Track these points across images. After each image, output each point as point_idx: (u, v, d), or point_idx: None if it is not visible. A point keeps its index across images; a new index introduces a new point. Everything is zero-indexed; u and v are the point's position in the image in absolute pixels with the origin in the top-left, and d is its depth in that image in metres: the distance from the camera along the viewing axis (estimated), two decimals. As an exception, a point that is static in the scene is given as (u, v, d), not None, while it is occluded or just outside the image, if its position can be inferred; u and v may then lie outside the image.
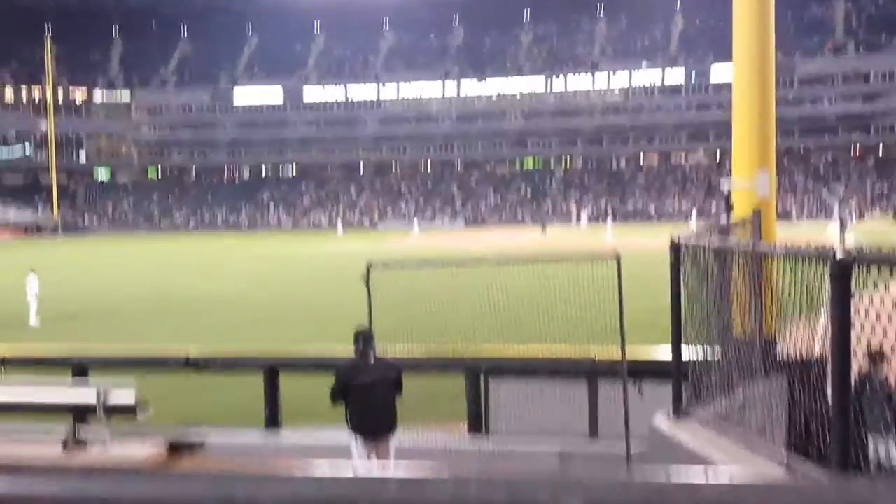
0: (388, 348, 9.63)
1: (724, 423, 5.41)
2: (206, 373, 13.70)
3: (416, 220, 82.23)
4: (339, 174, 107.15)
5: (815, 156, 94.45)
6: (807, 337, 4.83)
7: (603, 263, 9.52)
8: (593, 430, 10.31)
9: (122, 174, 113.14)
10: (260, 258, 53.15)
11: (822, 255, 4.08)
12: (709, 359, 6.03)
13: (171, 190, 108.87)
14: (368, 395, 8.48)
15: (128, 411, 11.33)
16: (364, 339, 8.87)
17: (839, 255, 3.74)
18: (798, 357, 5.03)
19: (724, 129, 20.00)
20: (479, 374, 11.39)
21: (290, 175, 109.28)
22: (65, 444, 10.55)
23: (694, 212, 72.96)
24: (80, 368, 14.16)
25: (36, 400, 12.39)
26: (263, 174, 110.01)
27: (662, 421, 6.30)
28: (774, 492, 0.76)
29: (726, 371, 5.86)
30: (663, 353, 8.14)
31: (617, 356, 9.62)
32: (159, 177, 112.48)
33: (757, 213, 7.95)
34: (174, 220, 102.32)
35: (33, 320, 27.52)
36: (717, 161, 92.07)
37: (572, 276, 9.60)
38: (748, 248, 6.05)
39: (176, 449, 10.38)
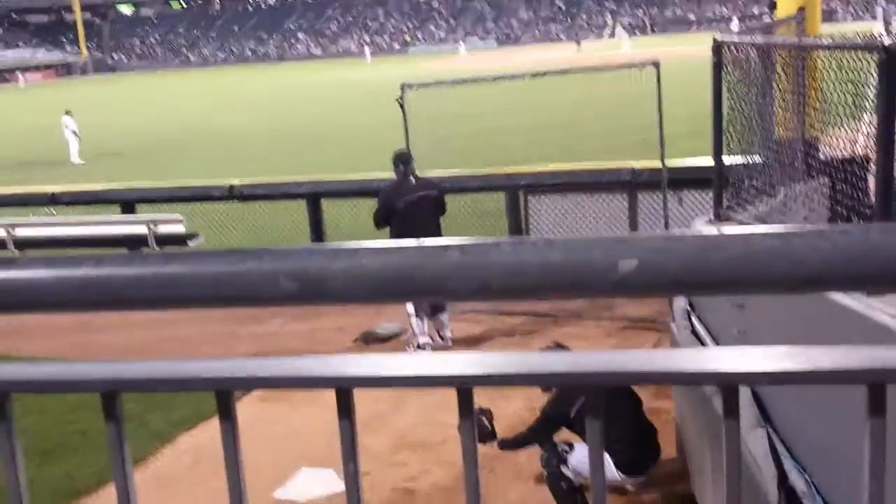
0: (427, 169, 9.66)
1: (763, 224, 5.45)
2: (250, 202, 13.94)
3: (461, 43, 79.21)
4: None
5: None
6: (851, 135, 4.75)
7: (641, 77, 9.29)
8: (633, 240, 10.41)
9: (145, 7, 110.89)
10: (292, 88, 52.63)
11: (869, 45, 3.95)
12: (750, 162, 5.99)
13: (197, 22, 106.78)
14: (412, 215, 8.53)
15: (178, 241, 11.66)
16: (403, 160, 8.88)
17: (887, 43, 3.62)
18: (841, 156, 4.98)
19: (769, -75, 18.84)
20: (518, 192, 11.43)
21: None
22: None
23: (735, 18, 70.14)
24: (127, 204, 14.48)
25: (89, 233, 12.78)
26: None
27: (702, 226, 6.34)
28: (825, 236, 0.79)
29: (767, 174, 5.83)
30: (704, 162, 8.08)
31: (656, 167, 9.57)
32: (183, 6, 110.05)
33: (801, 11, 7.65)
34: (202, 54, 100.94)
35: (75, 157, 27.92)
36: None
37: (610, 90, 9.40)
38: (792, 42, 5.87)
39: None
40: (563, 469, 5.28)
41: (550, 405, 5.55)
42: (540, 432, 5.52)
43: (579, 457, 5.26)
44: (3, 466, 1.07)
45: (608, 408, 0.84)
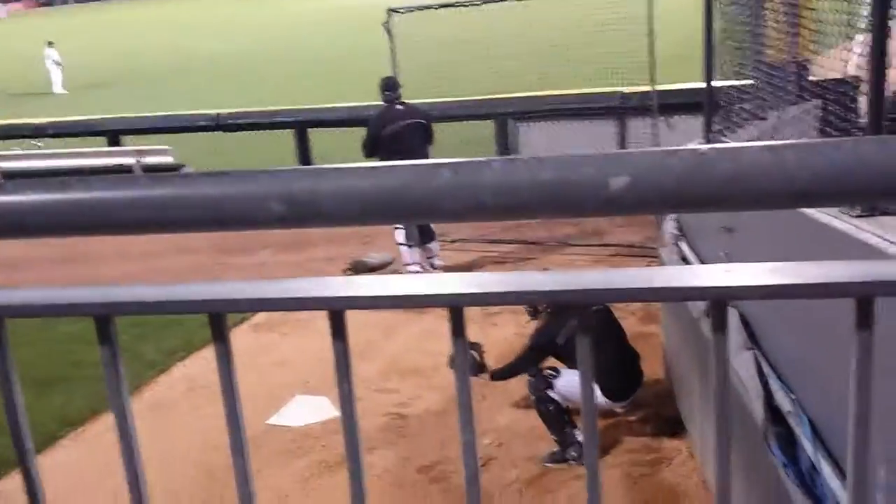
0: (415, 96, 9.56)
1: (754, 149, 5.42)
2: (236, 132, 13.83)
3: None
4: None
5: None
6: (844, 55, 4.71)
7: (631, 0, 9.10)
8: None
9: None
10: (274, 14, 51.67)
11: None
12: (741, 85, 5.94)
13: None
14: (400, 142, 8.45)
15: (166, 171, 11.57)
16: (390, 87, 8.78)
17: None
18: (833, 77, 4.94)
19: None
20: (506, 119, 11.35)
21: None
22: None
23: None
24: (113, 135, 14.35)
25: (75, 165, 12.69)
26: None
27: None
28: (817, 150, 0.79)
29: (759, 97, 5.79)
30: (694, 86, 8.02)
31: (646, 91, 9.48)
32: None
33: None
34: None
35: (58, 88, 27.57)
36: None
37: (600, 14, 9.24)
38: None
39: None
40: (550, 393, 5.37)
41: (537, 334, 5.62)
42: (528, 361, 5.60)
43: (564, 382, 5.35)
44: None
45: (594, 335, 0.86)
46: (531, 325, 5.85)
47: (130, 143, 14.03)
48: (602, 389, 5.22)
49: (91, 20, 63.05)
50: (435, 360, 6.53)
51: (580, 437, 5.27)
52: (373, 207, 0.89)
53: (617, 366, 5.43)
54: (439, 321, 7.14)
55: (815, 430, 3.28)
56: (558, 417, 5.40)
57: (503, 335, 7.04)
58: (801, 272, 0.88)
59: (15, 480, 5.49)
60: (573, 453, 5.32)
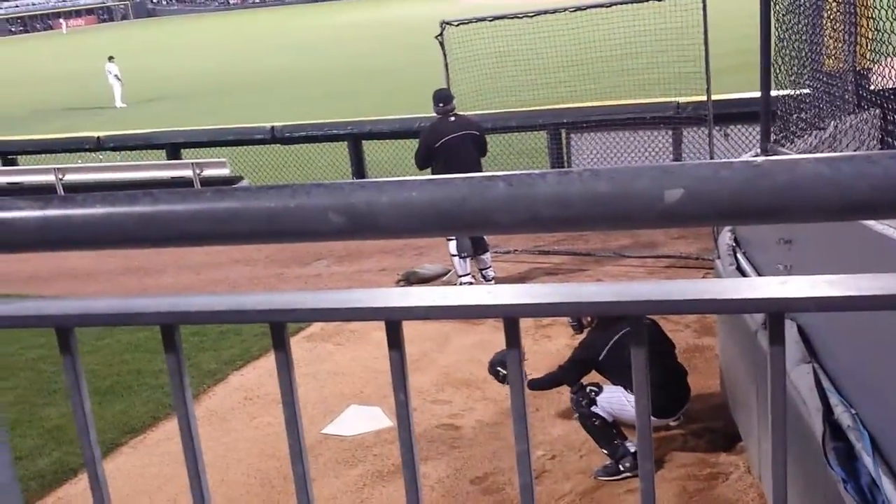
0: (468, 108, 9.59)
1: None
2: (291, 145, 14.01)
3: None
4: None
5: None
6: (905, 64, 4.62)
7: (686, 10, 9.03)
8: (677, 177, 10.29)
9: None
10: (328, 28, 52.30)
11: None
12: (799, 95, 5.86)
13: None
14: (453, 154, 8.48)
15: (223, 184, 11.78)
16: (443, 99, 8.82)
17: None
18: (893, 86, 4.84)
19: None
20: (560, 129, 11.32)
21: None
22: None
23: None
24: (172, 148, 14.65)
25: (135, 177, 12.98)
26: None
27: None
28: (874, 161, 0.79)
29: (817, 107, 5.70)
30: (750, 95, 7.91)
31: (701, 101, 9.38)
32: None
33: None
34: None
35: (118, 102, 28.26)
36: None
37: (654, 24, 9.18)
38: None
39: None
40: (594, 409, 5.35)
41: (581, 348, 5.60)
42: (569, 373, 5.57)
43: (607, 396, 5.33)
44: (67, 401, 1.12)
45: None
46: (578, 339, 5.83)
47: (189, 157, 14.31)
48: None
49: (150, 35, 64.51)
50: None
51: (633, 449, 5.24)
52: (430, 220, 0.91)
53: (664, 382, 5.37)
54: (493, 332, 7.14)
55: (875, 446, 3.21)
56: (606, 431, 5.36)
57: (555, 347, 7.02)
58: (860, 284, 0.88)
59: (77, 486, 5.63)
60: (626, 464, 5.27)
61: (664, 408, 5.39)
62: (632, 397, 4.80)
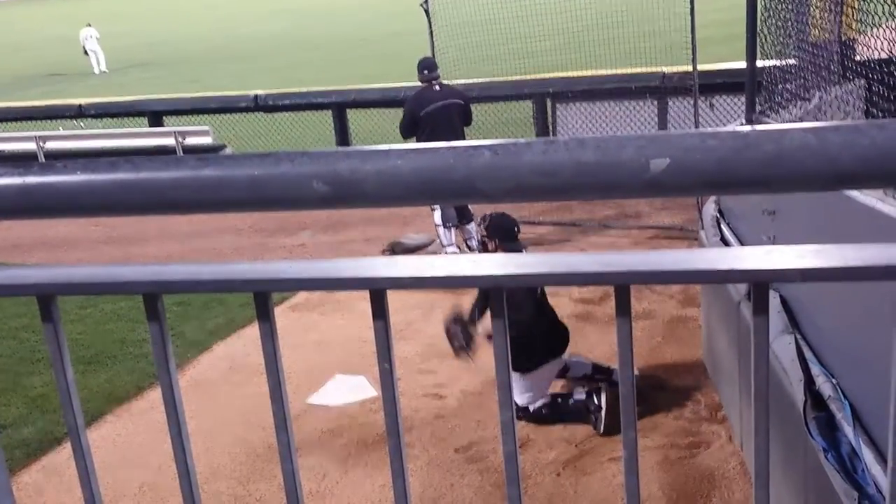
0: (453, 77, 9.53)
1: (797, 130, 5.34)
2: (275, 113, 13.92)
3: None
4: None
5: None
6: (890, 35, 4.62)
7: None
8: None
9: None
10: (315, -4, 51.76)
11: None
12: (784, 65, 5.85)
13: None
14: (438, 123, 8.44)
15: (206, 152, 11.70)
16: (427, 67, 8.76)
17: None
18: (879, 57, 4.84)
19: None
20: (545, 99, 11.29)
21: None
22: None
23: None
24: (154, 116, 14.51)
25: (117, 145, 12.87)
26: None
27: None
28: (861, 131, 0.78)
29: (802, 77, 5.70)
30: (736, 65, 7.90)
31: (687, 71, 9.36)
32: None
33: None
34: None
35: (96, 68, 27.96)
36: None
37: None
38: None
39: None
40: (530, 408, 5.57)
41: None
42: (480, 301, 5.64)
43: (517, 392, 5.40)
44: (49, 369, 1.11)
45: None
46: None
47: (171, 124, 14.19)
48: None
49: (130, 1, 63.66)
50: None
51: (583, 395, 5.53)
52: (415, 188, 0.90)
53: (548, 328, 5.60)
54: (477, 303, 7.15)
55: (856, 415, 3.25)
56: (558, 408, 5.57)
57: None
58: (844, 255, 0.88)
59: (61, 455, 5.63)
60: (593, 407, 5.48)
61: (553, 349, 5.62)
62: (516, 374, 4.93)
